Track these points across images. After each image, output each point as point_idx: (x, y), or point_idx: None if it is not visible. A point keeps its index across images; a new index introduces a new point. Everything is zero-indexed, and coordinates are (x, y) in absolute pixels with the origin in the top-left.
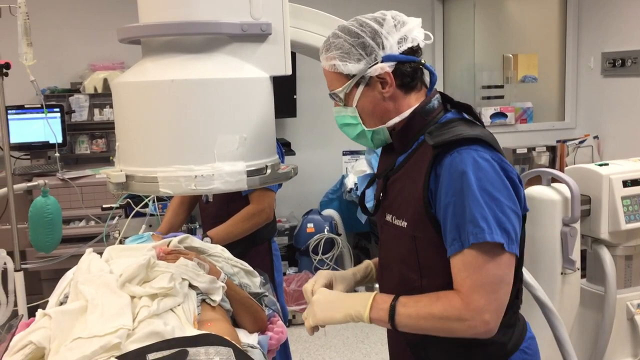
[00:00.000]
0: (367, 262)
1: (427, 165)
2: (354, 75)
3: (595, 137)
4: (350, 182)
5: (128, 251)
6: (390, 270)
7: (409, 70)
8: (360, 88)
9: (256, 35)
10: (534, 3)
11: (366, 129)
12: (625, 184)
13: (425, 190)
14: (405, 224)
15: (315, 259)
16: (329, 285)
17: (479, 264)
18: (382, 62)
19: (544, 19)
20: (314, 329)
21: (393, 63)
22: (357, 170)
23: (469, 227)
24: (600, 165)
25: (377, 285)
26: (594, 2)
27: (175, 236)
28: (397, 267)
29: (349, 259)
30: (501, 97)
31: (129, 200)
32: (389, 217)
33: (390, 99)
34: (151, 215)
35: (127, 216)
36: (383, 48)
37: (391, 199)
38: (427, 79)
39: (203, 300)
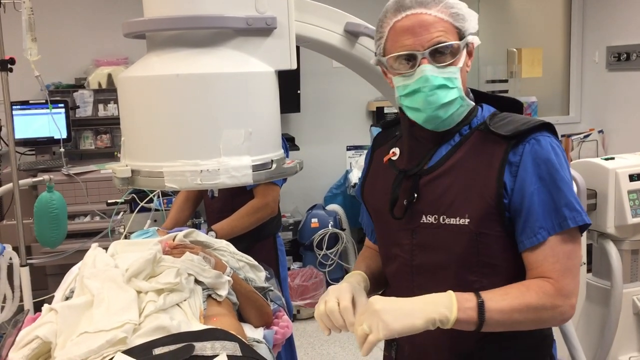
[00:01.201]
0: (357, 273)
1: (498, 157)
2: (463, 37)
3: (600, 132)
4: (354, 177)
5: (133, 246)
6: (435, 276)
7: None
8: (464, 53)
9: (261, 29)
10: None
11: (462, 95)
12: (632, 178)
13: (500, 184)
14: (467, 221)
15: (319, 254)
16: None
17: (569, 249)
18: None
19: (548, 13)
20: (372, 346)
21: (476, 38)
22: (362, 165)
23: (565, 211)
24: (607, 159)
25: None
26: None
27: (180, 231)
28: (450, 270)
29: (353, 253)
30: (505, 91)
31: (134, 195)
32: (430, 218)
33: (466, 74)
34: (156, 210)
35: (132, 211)
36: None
37: (434, 198)
38: None
39: (209, 296)
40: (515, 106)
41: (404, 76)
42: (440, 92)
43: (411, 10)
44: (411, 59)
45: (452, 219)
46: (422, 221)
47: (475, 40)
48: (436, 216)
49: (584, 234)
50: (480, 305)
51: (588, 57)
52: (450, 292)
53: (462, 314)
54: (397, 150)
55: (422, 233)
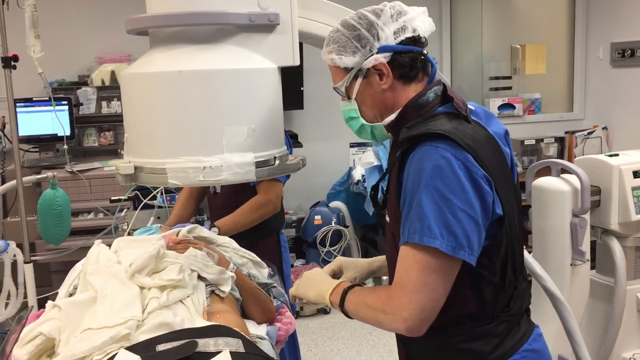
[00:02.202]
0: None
1: (396, 162)
2: (351, 69)
3: (604, 128)
4: (357, 174)
5: (137, 242)
6: (389, 263)
7: (407, 60)
8: (359, 81)
9: (264, 25)
10: None
11: (365, 123)
12: (636, 174)
13: (397, 185)
14: (389, 219)
15: (322, 251)
16: (339, 271)
17: (409, 263)
18: (377, 53)
19: (552, 9)
20: (294, 298)
21: (389, 54)
22: (365, 162)
23: (409, 224)
24: (611, 155)
25: (384, 278)
26: None
27: (183, 226)
28: (391, 261)
29: (357, 251)
30: (509, 88)
31: (137, 192)
32: (387, 216)
33: (389, 91)
34: (159, 207)
35: (135, 208)
36: (378, 39)
37: (386, 196)
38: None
39: (212, 292)
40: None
41: None
42: (351, 122)
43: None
44: None
45: (387, 216)
46: (385, 218)
47: (371, 62)
48: (386, 213)
49: (586, 230)
50: (344, 294)
51: (592, 53)
52: (340, 280)
53: (333, 297)
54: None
55: (386, 226)
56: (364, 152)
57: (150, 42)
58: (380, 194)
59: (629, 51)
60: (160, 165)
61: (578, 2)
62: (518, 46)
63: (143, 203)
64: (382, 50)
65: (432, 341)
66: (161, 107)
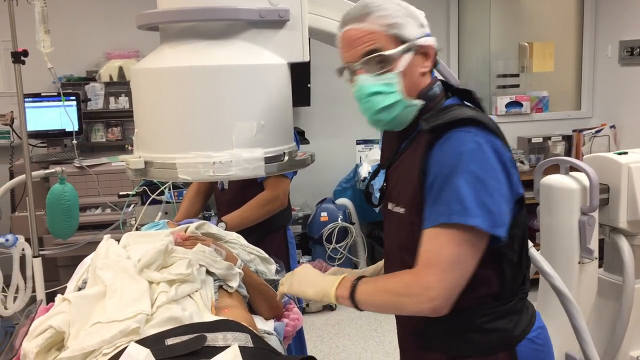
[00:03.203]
0: (379, 263)
1: (421, 150)
2: (406, 42)
3: (612, 127)
4: (364, 171)
5: (145, 237)
6: (392, 257)
7: (435, 50)
8: (407, 56)
9: (274, 21)
10: None
11: (404, 99)
12: None
13: (421, 175)
14: (404, 210)
15: (328, 248)
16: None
17: (441, 242)
18: (425, 36)
19: (560, 7)
20: (283, 296)
21: (432, 39)
22: (371, 159)
23: (442, 207)
24: (619, 153)
25: None
26: None
27: (191, 222)
28: (398, 254)
29: (363, 247)
30: (517, 86)
31: (145, 187)
32: (390, 206)
33: (423, 75)
34: (167, 202)
35: (143, 204)
36: (424, 26)
37: (391, 187)
38: None
39: (220, 287)
40: (469, 97)
41: (352, 85)
42: (376, 98)
43: (348, 25)
44: (352, 71)
45: (397, 208)
46: (388, 208)
47: (427, 41)
48: (392, 204)
49: (595, 228)
50: (353, 286)
51: (600, 51)
52: (343, 274)
53: (340, 292)
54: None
55: (387, 219)
56: (370, 149)
57: (160, 37)
58: (376, 189)
59: (638, 49)
60: (170, 160)
61: (588, 3)
62: (526, 44)
63: (151, 198)
64: (428, 34)
65: (456, 324)
66: (172, 103)
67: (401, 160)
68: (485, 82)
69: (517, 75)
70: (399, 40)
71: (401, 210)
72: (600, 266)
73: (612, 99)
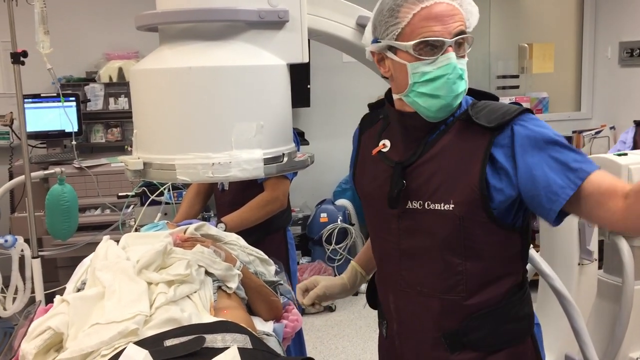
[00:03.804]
0: (353, 268)
1: (482, 147)
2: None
3: (612, 128)
4: None
5: (144, 238)
6: (421, 259)
7: None
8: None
9: (273, 22)
10: None
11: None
12: None
13: (483, 171)
14: (452, 206)
15: (328, 249)
16: (312, 287)
17: (608, 176)
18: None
19: (560, 8)
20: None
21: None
22: None
23: (568, 172)
24: (619, 155)
25: (363, 287)
26: None
27: (191, 223)
28: (435, 253)
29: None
30: (516, 87)
31: (144, 188)
32: (415, 204)
33: None
34: (167, 203)
35: (142, 204)
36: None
37: (419, 184)
38: None
39: (219, 288)
40: (493, 99)
41: (425, 62)
42: (460, 81)
43: None
44: (435, 46)
45: (436, 204)
46: (408, 207)
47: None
48: (421, 202)
49: (594, 229)
50: None
51: (600, 52)
52: None
53: None
54: (387, 142)
55: (408, 218)
56: None
57: (160, 38)
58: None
59: (638, 50)
60: (170, 161)
61: (586, 1)
62: (526, 45)
63: (150, 199)
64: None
65: (493, 318)
66: (171, 104)
67: (432, 153)
68: (485, 83)
69: (517, 77)
70: (468, 25)
71: (447, 206)
72: (599, 267)
73: (611, 100)
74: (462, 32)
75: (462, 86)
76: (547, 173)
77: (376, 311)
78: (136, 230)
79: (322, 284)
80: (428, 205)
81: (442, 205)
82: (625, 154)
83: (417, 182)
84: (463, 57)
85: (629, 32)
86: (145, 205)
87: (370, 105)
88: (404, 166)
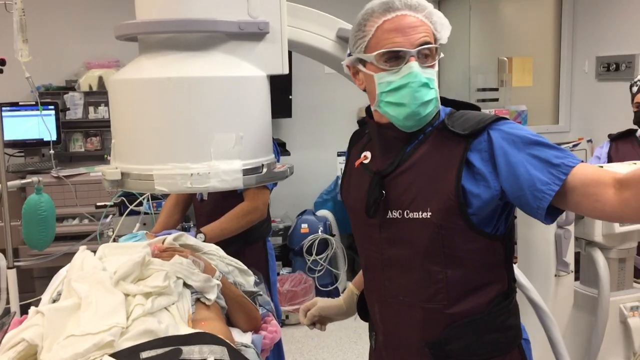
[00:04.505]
0: (349, 290)
1: (457, 154)
2: (438, 43)
3: (589, 141)
4: None
5: (122, 249)
6: (402, 268)
7: None
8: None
9: (253, 33)
10: (530, 6)
11: (438, 97)
12: None
13: (458, 179)
14: (430, 214)
15: (309, 260)
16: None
17: (591, 167)
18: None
19: (539, 23)
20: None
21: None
22: None
23: (550, 168)
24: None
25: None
26: (588, 7)
27: (169, 234)
28: (416, 262)
29: (343, 259)
30: (496, 99)
31: (123, 198)
32: (395, 213)
33: None
34: (145, 213)
35: (121, 214)
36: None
37: (398, 194)
38: None
39: (198, 299)
40: (474, 109)
41: (390, 72)
42: (424, 89)
43: (400, 11)
44: (399, 57)
45: (415, 213)
46: (388, 216)
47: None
48: (400, 211)
49: (570, 241)
50: None
51: (578, 67)
52: None
53: None
54: (368, 153)
55: (388, 227)
56: None
57: (139, 48)
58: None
59: (614, 65)
60: (148, 171)
61: (564, 16)
62: (505, 59)
63: (129, 209)
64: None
65: (477, 327)
66: (149, 114)
67: (411, 164)
68: (465, 96)
69: (496, 90)
70: (437, 40)
71: (425, 215)
72: (576, 279)
73: (589, 114)
74: (427, 43)
75: (428, 95)
76: (529, 172)
77: (356, 323)
78: (114, 240)
79: (319, 305)
80: (407, 214)
81: (421, 213)
82: (601, 167)
83: (396, 192)
84: (431, 67)
85: (605, 47)
86: (124, 215)
87: (359, 121)
88: (382, 176)
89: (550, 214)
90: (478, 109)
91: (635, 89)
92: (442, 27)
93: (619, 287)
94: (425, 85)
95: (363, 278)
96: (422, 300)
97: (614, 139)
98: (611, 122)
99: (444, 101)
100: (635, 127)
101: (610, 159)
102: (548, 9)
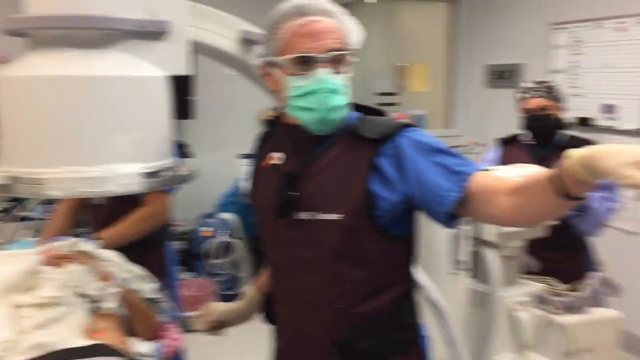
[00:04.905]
0: (248, 293)
1: (365, 157)
2: (350, 43)
3: (482, 145)
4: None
5: (9, 257)
6: (311, 269)
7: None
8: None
9: (153, 32)
10: (425, 15)
11: (348, 102)
12: None
13: (366, 182)
14: (339, 215)
15: (212, 264)
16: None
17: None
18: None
19: (434, 31)
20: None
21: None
22: None
23: (452, 176)
24: (487, 170)
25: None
26: (479, 18)
27: (63, 240)
28: (325, 263)
29: (247, 263)
30: (396, 104)
31: (11, 203)
32: (305, 214)
33: None
34: (36, 219)
35: (10, 221)
36: None
37: (310, 194)
38: None
39: (94, 309)
40: (380, 115)
41: (300, 77)
42: (334, 95)
43: (312, 17)
44: (309, 62)
45: (325, 215)
46: (297, 217)
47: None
48: (310, 212)
49: (465, 240)
50: None
51: (470, 74)
52: None
53: None
54: (278, 154)
55: (298, 228)
56: None
57: (29, 43)
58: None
59: (503, 73)
60: (39, 175)
61: (457, 26)
62: (403, 65)
63: (18, 215)
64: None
65: (383, 325)
66: (40, 114)
67: (322, 164)
68: (366, 100)
69: (395, 95)
70: (349, 45)
71: (336, 216)
72: (470, 276)
73: (480, 119)
74: (338, 49)
75: (337, 100)
76: (433, 178)
77: (259, 326)
78: (1, 248)
79: (217, 310)
80: (317, 215)
81: (330, 215)
82: (495, 169)
83: (306, 193)
84: (342, 72)
85: (495, 56)
86: (14, 221)
87: (265, 122)
88: (292, 177)
89: (452, 219)
90: (384, 114)
91: (523, 95)
92: (354, 32)
93: (509, 283)
94: (335, 91)
95: (269, 279)
96: (330, 301)
97: (505, 143)
98: (500, 126)
99: (356, 106)
100: (522, 132)
101: (502, 162)
102: (441, 18)
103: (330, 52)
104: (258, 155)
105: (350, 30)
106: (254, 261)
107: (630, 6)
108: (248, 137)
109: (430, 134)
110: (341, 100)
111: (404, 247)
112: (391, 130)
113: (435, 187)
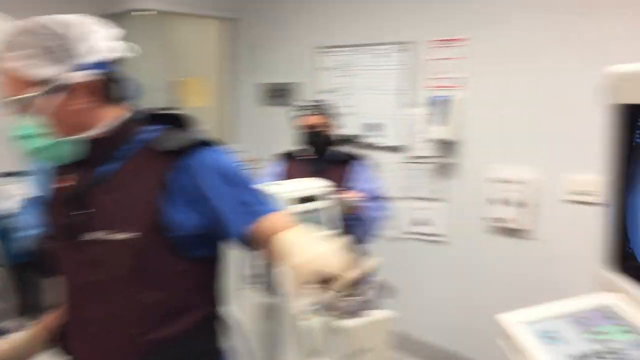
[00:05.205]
0: (30, 328)
1: (158, 173)
2: (42, 83)
3: (260, 160)
4: (9, 205)
5: None
6: (101, 293)
7: (102, 81)
8: (51, 96)
9: None
10: (201, 32)
11: (60, 139)
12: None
13: (155, 198)
14: (131, 234)
15: None
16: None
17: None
18: (74, 70)
19: (211, 48)
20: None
21: (86, 72)
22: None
23: (248, 207)
24: (271, 185)
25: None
26: (255, 37)
27: None
28: (116, 286)
29: (14, 293)
30: None
31: None
32: (94, 235)
33: (85, 110)
34: None
35: None
36: (72, 55)
37: (99, 213)
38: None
39: None
40: (188, 123)
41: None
42: (27, 141)
43: None
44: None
45: (115, 235)
46: (87, 239)
47: (77, 77)
48: (100, 232)
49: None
50: None
51: (248, 91)
52: None
53: None
54: (66, 177)
55: (85, 250)
56: (19, 182)
57: None
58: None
59: (274, 92)
60: None
61: (234, 44)
62: (180, 79)
63: None
64: (78, 68)
65: (176, 353)
66: None
67: (113, 183)
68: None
69: (175, 109)
70: (39, 82)
71: (125, 236)
72: (261, 290)
73: (258, 135)
74: (10, 96)
75: (34, 144)
76: (226, 210)
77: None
78: None
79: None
80: (107, 235)
81: (120, 234)
82: (270, 185)
83: (96, 213)
84: (33, 114)
85: (267, 76)
86: None
87: None
88: (76, 197)
89: (242, 244)
90: (193, 122)
91: (298, 113)
92: (38, 65)
93: (296, 294)
94: (26, 137)
95: (63, 307)
96: (122, 327)
97: (286, 157)
98: (273, 143)
99: (163, 116)
100: (301, 147)
101: (286, 176)
102: (218, 36)
103: (5, 100)
104: (43, 180)
105: (36, 64)
106: (22, 290)
107: (386, 36)
108: (10, 154)
109: (227, 156)
110: (38, 142)
111: (206, 269)
112: (188, 144)
113: (226, 220)
